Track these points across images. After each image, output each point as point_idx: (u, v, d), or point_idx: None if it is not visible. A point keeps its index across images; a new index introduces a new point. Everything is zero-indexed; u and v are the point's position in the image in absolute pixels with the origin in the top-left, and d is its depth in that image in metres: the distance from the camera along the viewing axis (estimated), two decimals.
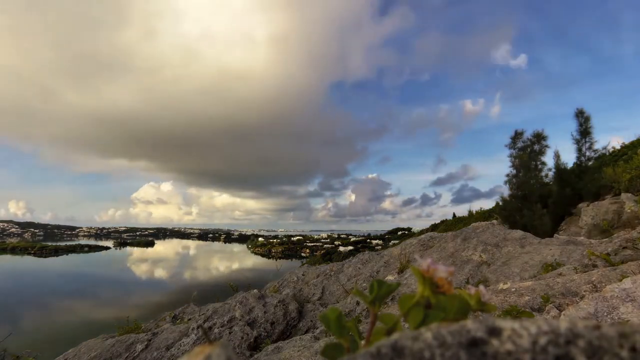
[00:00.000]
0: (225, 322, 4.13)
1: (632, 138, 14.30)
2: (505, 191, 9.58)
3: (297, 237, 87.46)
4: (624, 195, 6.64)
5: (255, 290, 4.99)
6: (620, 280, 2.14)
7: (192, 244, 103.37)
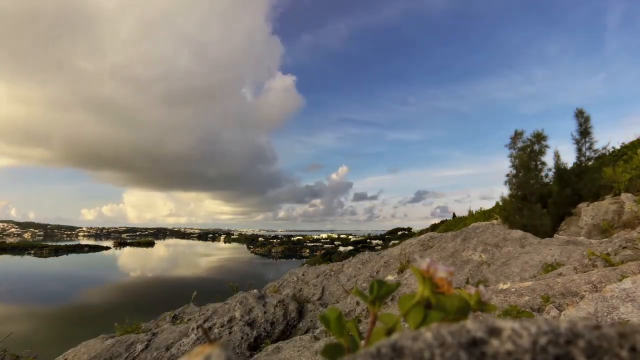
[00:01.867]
0: (225, 322, 4.13)
1: (632, 138, 14.32)
2: (505, 191, 9.59)
3: (297, 237, 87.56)
4: (624, 195, 6.64)
5: (255, 291, 4.99)
6: (620, 280, 2.14)
7: (192, 244, 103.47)
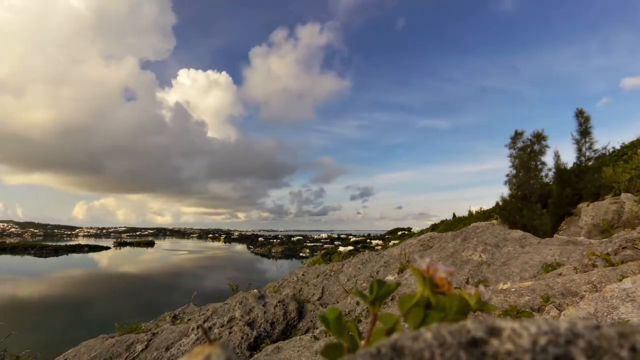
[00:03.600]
0: (225, 322, 4.13)
1: (632, 138, 14.33)
2: (505, 191, 9.61)
3: (297, 237, 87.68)
4: (624, 195, 6.64)
5: (255, 290, 4.99)
6: (620, 280, 2.14)
7: (192, 243, 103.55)
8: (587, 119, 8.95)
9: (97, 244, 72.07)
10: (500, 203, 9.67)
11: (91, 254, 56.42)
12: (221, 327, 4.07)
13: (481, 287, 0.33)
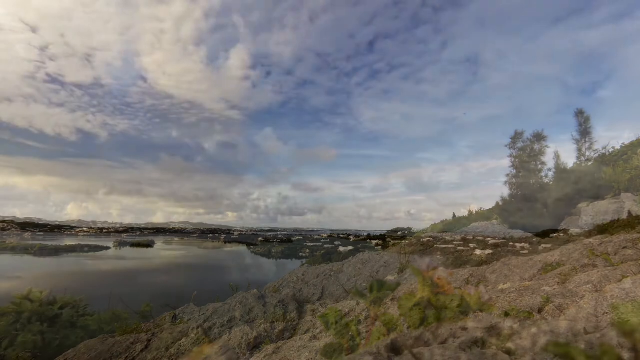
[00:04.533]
0: (225, 322, 4.13)
1: (632, 138, 14.35)
2: (505, 191, 9.63)
3: (297, 237, 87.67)
4: (624, 195, 6.65)
5: (255, 290, 4.99)
6: (620, 280, 2.14)
7: (191, 243, 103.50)
8: (587, 119, 8.96)
9: (97, 243, 72.01)
10: (500, 203, 9.68)
11: (91, 254, 56.40)
12: (221, 327, 4.08)
13: (481, 287, 0.33)
